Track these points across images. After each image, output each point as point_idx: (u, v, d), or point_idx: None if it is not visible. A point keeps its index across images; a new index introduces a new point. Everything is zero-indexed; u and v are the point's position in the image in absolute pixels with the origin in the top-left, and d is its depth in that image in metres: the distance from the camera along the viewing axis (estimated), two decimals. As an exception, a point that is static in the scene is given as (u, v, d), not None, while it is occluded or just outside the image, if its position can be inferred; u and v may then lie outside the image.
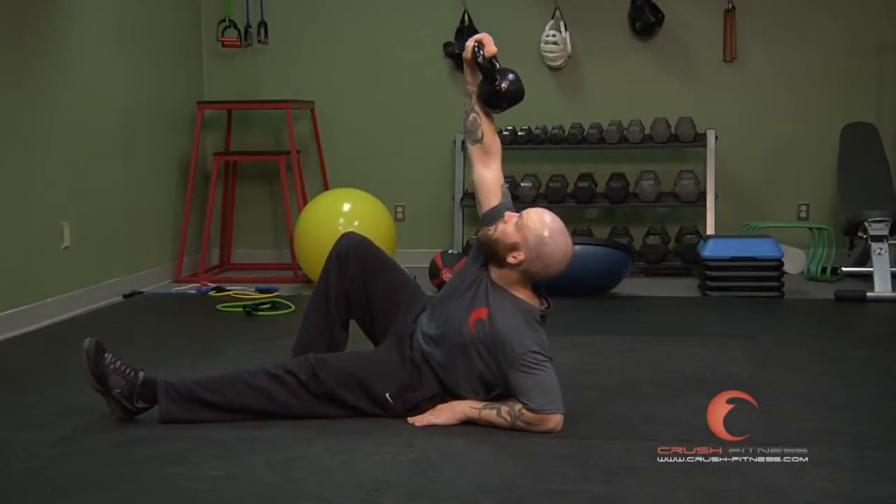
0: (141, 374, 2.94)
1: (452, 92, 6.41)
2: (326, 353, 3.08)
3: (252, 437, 2.81)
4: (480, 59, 2.96)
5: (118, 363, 2.92)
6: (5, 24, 4.48)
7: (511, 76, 2.99)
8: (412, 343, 3.03)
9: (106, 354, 2.91)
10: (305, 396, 2.93)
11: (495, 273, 2.94)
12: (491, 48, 3.01)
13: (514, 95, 3.00)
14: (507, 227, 2.88)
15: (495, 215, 2.99)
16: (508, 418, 2.84)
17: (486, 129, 3.06)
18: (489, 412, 2.88)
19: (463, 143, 6.21)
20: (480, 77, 3.03)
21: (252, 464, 2.61)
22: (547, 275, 2.91)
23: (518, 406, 2.82)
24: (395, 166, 6.48)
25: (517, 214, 2.92)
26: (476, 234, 2.96)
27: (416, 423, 2.90)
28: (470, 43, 3.00)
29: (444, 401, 2.98)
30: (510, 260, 2.87)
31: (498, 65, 2.99)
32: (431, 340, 2.98)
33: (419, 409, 2.96)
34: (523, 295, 2.93)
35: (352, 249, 3.18)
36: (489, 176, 3.05)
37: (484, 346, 2.88)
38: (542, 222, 2.87)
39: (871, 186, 5.59)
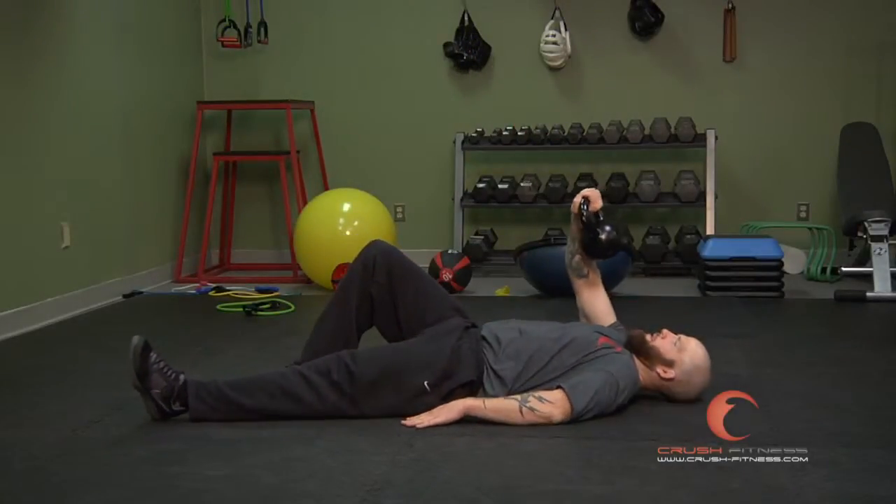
0: (182, 377, 2.94)
1: (452, 92, 6.42)
2: None
3: (252, 437, 2.81)
4: (585, 216, 3.28)
5: (162, 364, 2.92)
6: (6, 24, 4.48)
7: (609, 229, 3.29)
8: (481, 336, 3.06)
9: (152, 353, 2.91)
10: (337, 399, 2.91)
11: (637, 361, 3.09)
12: (597, 204, 3.28)
13: (615, 247, 3.33)
14: (666, 344, 3.06)
15: (619, 329, 3.24)
16: (518, 397, 2.86)
17: (590, 269, 3.38)
18: (494, 401, 2.89)
19: (463, 142, 6.23)
20: (583, 227, 3.31)
21: (252, 464, 2.61)
22: (678, 399, 3.08)
23: (539, 392, 2.86)
24: (395, 166, 6.48)
25: (674, 335, 3.08)
26: (631, 332, 3.16)
27: (418, 426, 2.88)
28: (577, 199, 3.30)
29: (472, 390, 2.97)
30: (660, 372, 3.05)
31: (601, 218, 3.30)
32: (530, 339, 3.04)
33: (453, 396, 2.94)
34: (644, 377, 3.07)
35: (380, 257, 3.19)
36: (601, 304, 3.37)
37: (595, 357, 2.98)
38: (701, 353, 3.06)
39: (871, 186, 5.59)
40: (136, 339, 2.90)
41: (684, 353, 3.04)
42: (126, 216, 5.55)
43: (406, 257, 3.28)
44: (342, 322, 3.17)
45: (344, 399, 2.91)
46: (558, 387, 2.87)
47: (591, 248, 3.32)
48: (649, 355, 3.05)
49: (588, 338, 3.06)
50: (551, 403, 2.83)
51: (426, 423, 2.87)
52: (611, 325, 3.28)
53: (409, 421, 2.89)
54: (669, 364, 3.03)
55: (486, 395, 2.97)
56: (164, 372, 2.91)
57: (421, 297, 3.18)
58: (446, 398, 2.94)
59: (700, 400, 3.03)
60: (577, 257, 3.36)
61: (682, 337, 3.08)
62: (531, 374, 2.97)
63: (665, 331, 3.11)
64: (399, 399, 2.93)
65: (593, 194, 3.30)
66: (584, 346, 3.01)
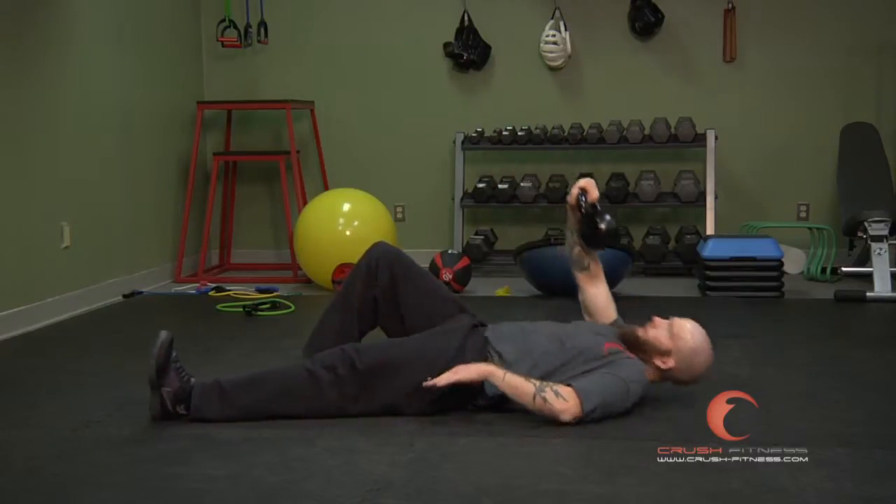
0: (192, 381, 2.94)
1: (452, 92, 6.42)
2: None
3: (252, 437, 2.81)
4: (584, 206, 3.24)
5: (179, 364, 2.92)
6: (5, 24, 4.48)
7: (608, 218, 3.25)
8: (483, 336, 3.05)
9: (174, 352, 2.91)
10: (339, 396, 2.91)
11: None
12: (594, 194, 3.25)
13: (613, 236, 3.32)
14: (660, 333, 3.03)
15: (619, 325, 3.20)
16: (537, 384, 2.84)
17: (591, 260, 3.35)
18: (515, 376, 2.87)
19: (463, 142, 6.23)
20: (580, 218, 3.29)
21: (252, 464, 2.61)
22: (686, 384, 3.09)
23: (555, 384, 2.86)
24: (395, 166, 6.48)
25: (666, 321, 3.06)
26: (623, 329, 3.16)
27: (439, 384, 2.85)
28: (575, 190, 3.27)
29: (473, 390, 2.95)
30: (658, 363, 3.03)
31: (599, 207, 3.26)
32: (545, 338, 3.03)
33: (454, 394, 2.92)
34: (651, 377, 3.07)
35: (383, 258, 3.23)
36: (602, 295, 3.34)
37: (602, 363, 2.97)
38: (697, 334, 3.05)
39: (871, 186, 5.59)
40: (163, 334, 2.89)
41: (678, 339, 3.01)
42: (126, 216, 5.55)
43: (409, 259, 3.29)
44: (344, 324, 3.18)
45: (345, 396, 2.91)
46: (570, 386, 2.86)
47: (591, 239, 3.29)
48: (645, 350, 3.04)
49: (594, 345, 3.04)
50: (565, 401, 2.82)
51: (446, 381, 2.85)
52: (611, 322, 3.26)
53: (429, 382, 2.87)
54: (666, 353, 3.02)
55: (485, 394, 2.97)
56: (179, 372, 2.91)
57: (425, 298, 3.20)
58: (447, 395, 2.93)
59: (709, 379, 3.04)
60: (577, 249, 3.33)
61: (675, 321, 3.06)
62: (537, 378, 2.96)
63: (656, 319, 3.08)
64: (399, 394, 2.93)
65: (590, 184, 3.26)
66: (592, 355, 2.99)
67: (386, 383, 2.92)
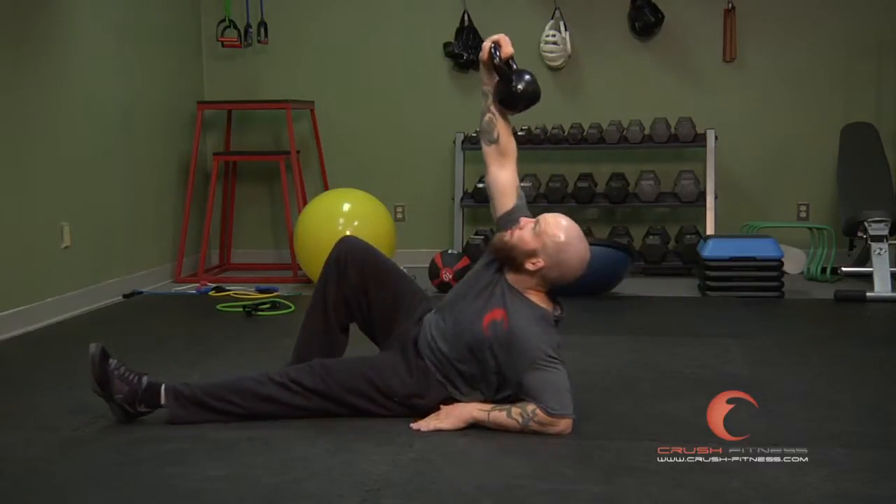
0: (144, 379, 2.94)
1: (452, 92, 6.42)
2: (328, 358, 3.07)
3: (252, 437, 2.81)
4: (497, 61, 2.96)
5: (122, 369, 2.92)
6: (5, 24, 4.48)
7: (527, 77, 2.98)
8: (417, 348, 3.00)
9: (110, 360, 2.92)
10: (313, 399, 2.93)
11: (511, 277, 2.94)
12: (508, 49, 2.98)
13: (531, 97, 2.99)
14: (525, 234, 2.88)
15: (511, 219, 2.98)
16: (521, 419, 2.79)
17: (502, 130, 3.04)
18: (499, 414, 2.84)
19: (463, 142, 6.23)
20: (497, 78, 3.02)
21: (252, 464, 2.61)
22: (564, 281, 2.92)
23: (532, 407, 2.79)
24: (395, 166, 6.48)
25: (534, 220, 2.92)
26: (492, 239, 2.99)
27: (422, 429, 2.86)
28: (487, 44, 2.99)
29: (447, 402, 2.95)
30: (528, 266, 2.88)
31: (514, 66, 2.98)
32: (442, 339, 2.95)
33: (425, 416, 2.93)
34: (539, 299, 2.93)
35: (350, 254, 3.13)
36: (505, 177, 3.05)
37: (498, 345, 2.86)
38: (560, 228, 2.88)
39: (871, 186, 5.59)
40: (92, 348, 2.91)
41: (544, 235, 2.85)
42: (126, 216, 5.55)
43: (376, 252, 3.19)
44: (324, 324, 3.14)
45: (321, 401, 2.94)
46: (548, 413, 2.77)
47: (508, 99, 2.98)
48: (513, 255, 2.88)
49: (477, 335, 2.89)
50: (553, 426, 2.78)
51: (432, 428, 2.86)
52: (509, 210, 3.02)
53: (415, 424, 2.88)
54: (532, 254, 2.86)
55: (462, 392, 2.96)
56: (124, 377, 2.92)
57: (389, 295, 3.12)
58: (426, 413, 2.93)
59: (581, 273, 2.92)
60: (489, 115, 3.04)
61: (541, 218, 2.90)
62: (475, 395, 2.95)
63: (522, 220, 2.93)
64: (372, 408, 2.95)
65: (503, 39, 2.98)
66: (480, 348, 2.88)
67: (353, 400, 2.94)
